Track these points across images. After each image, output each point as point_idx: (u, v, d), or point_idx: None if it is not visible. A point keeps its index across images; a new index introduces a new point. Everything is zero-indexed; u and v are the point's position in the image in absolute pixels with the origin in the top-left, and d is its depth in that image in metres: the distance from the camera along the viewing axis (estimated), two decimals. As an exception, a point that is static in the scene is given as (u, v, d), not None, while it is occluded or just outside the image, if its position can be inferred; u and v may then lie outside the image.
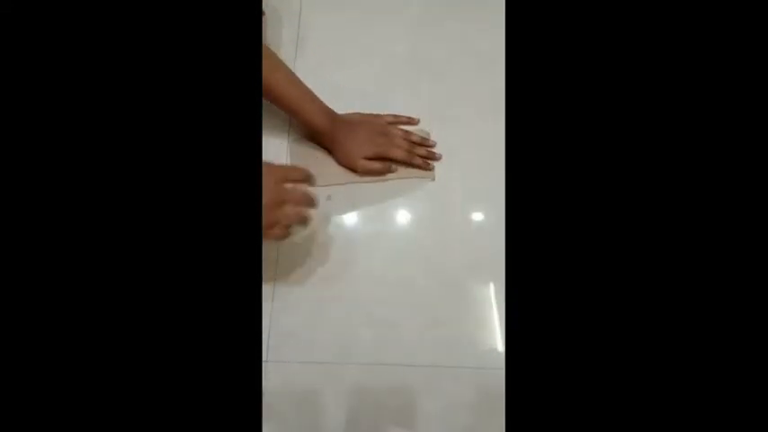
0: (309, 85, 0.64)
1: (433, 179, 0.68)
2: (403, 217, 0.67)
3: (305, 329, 0.62)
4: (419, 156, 0.68)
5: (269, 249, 0.64)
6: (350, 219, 0.67)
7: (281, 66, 0.63)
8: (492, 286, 0.64)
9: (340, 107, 0.67)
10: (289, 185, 0.52)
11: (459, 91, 0.72)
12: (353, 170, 0.67)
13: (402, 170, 0.68)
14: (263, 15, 0.75)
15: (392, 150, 0.66)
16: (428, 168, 0.67)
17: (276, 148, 0.69)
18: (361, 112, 0.70)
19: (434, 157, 0.68)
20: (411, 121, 0.71)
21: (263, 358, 0.61)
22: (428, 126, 0.71)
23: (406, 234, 0.66)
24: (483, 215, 0.67)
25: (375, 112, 0.70)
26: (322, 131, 0.66)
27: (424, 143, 0.69)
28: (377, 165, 0.66)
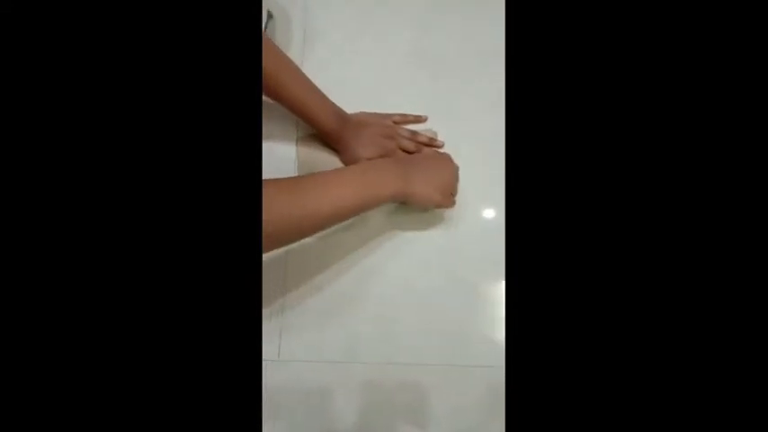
0: (316, 82, 0.64)
1: None
2: (411, 215, 0.67)
3: (314, 328, 0.62)
4: None
5: (278, 250, 0.65)
6: (358, 218, 0.67)
7: (289, 65, 0.63)
8: (502, 283, 0.63)
9: (346, 103, 0.67)
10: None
11: (464, 87, 0.72)
12: None
13: None
14: (272, 18, 0.76)
15: (398, 154, 0.67)
16: None
17: (284, 149, 0.69)
18: (368, 110, 0.70)
19: None
20: (419, 120, 0.71)
21: (274, 357, 0.61)
22: (434, 122, 0.71)
23: (414, 232, 0.66)
24: (492, 212, 0.66)
25: (382, 111, 0.70)
26: (329, 131, 0.66)
27: (432, 143, 0.69)
28: None
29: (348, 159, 0.67)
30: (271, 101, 0.63)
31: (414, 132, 0.69)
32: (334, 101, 0.66)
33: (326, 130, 0.65)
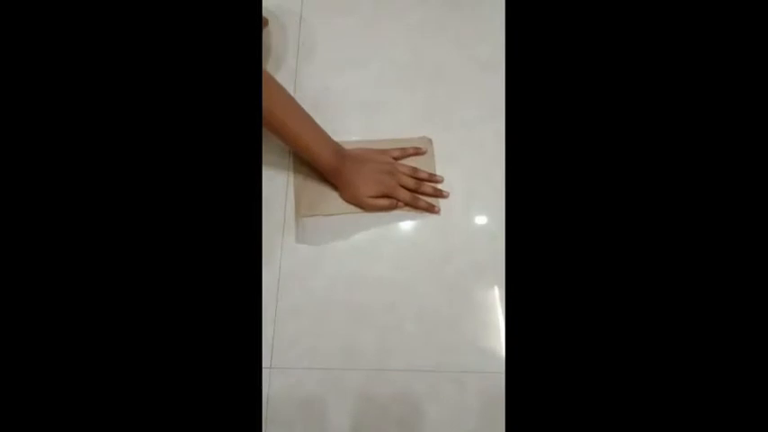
0: (311, 90, 0.64)
1: (439, 213, 0.67)
2: (406, 222, 0.67)
3: (309, 335, 0.62)
4: (425, 193, 0.67)
5: (273, 255, 0.65)
6: (351, 225, 0.67)
7: (288, 100, 0.62)
8: (496, 290, 0.63)
9: (341, 112, 0.68)
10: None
11: (459, 95, 0.73)
12: (360, 208, 0.67)
13: None
14: (266, 26, 0.76)
15: (398, 192, 0.66)
16: (433, 212, 0.67)
17: (279, 178, 0.69)
18: (368, 138, 0.70)
19: (441, 195, 0.67)
20: (418, 152, 0.70)
21: (268, 364, 0.61)
22: (431, 131, 0.71)
23: (409, 239, 0.66)
24: (486, 218, 0.67)
25: (379, 119, 0.71)
26: (328, 169, 0.65)
27: (432, 179, 0.68)
28: (384, 201, 0.66)
29: (349, 197, 0.66)
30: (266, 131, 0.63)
31: (413, 168, 0.68)
32: (328, 108, 0.66)
33: (325, 168, 0.65)
